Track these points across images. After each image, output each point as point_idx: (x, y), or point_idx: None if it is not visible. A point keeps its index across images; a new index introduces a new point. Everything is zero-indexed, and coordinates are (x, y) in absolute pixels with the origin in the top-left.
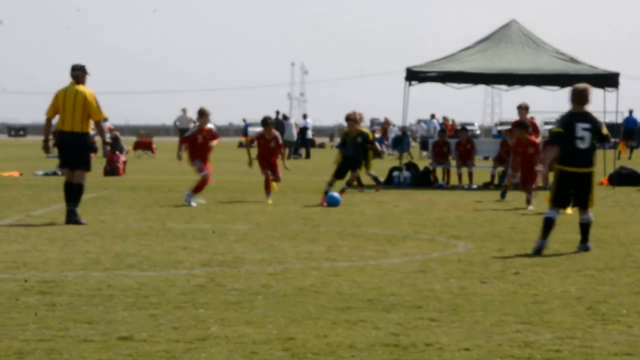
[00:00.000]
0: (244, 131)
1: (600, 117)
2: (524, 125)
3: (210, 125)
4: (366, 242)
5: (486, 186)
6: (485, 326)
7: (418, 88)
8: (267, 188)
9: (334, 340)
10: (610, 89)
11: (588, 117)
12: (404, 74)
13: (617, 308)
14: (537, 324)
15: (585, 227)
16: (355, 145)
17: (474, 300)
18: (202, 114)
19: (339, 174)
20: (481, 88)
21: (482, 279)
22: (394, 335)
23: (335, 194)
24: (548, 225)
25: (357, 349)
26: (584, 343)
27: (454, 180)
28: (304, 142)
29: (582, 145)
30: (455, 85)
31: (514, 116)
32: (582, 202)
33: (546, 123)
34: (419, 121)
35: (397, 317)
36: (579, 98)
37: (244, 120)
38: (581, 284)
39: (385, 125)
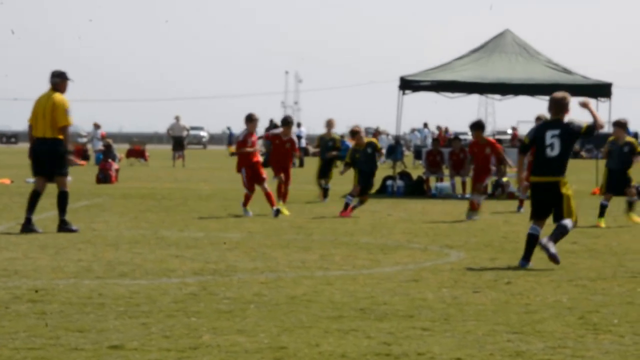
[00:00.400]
0: (229, 140)
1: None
2: (480, 125)
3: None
4: (359, 251)
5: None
6: (477, 336)
7: (412, 97)
8: (279, 193)
9: (325, 350)
10: (602, 99)
11: (558, 124)
12: (397, 83)
13: (608, 318)
14: (529, 334)
15: (558, 228)
16: (367, 157)
17: (466, 309)
18: (251, 119)
19: (363, 190)
20: (475, 97)
21: (475, 288)
22: (386, 344)
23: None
24: (529, 242)
25: (349, 358)
26: (575, 353)
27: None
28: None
29: (551, 153)
30: (449, 94)
31: (507, 125)
32: (557, 213)
33: None
34: (413, 130)
35: (389, 326)
36: (555, 107)
37: (228, 129)
38: (573, 294)
39: (376, 135)
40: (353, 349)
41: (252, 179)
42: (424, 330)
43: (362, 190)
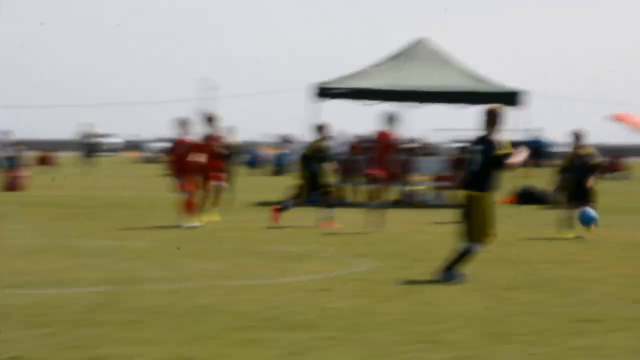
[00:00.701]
0: (137, 147)
1: (507, 137)
2: (394, 118)
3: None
4: (269, 260)
5: (395, 204)
6: (385, 345)
7: (328, 104)
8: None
9: None
10: (517, 107)
11: (482, 139)
12: (314, 90)
13: (518, 327)
14: (438, 343)
15: (462, 254)
16: (326, 158)
17: (375, 319)
18: (182, 124)
19: (324, 189)
20: (390, 105)
21: (385, 297)
22: (293, 354)
23: (590, 212)
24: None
25: None
26: None
27: (362, 197)
28: None
29: (473, 167)
30: (365, 102)
31: (423, 134)
32: (466, 229)
33: (454, 141)
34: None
35: (297, 336)
36: (485, 119)
37: (137, 136)
38: (483, 303)
39: (288, 142)
40: (260, 359)
41: (189, 183)
42: (332, 340)
43: (324, 191)
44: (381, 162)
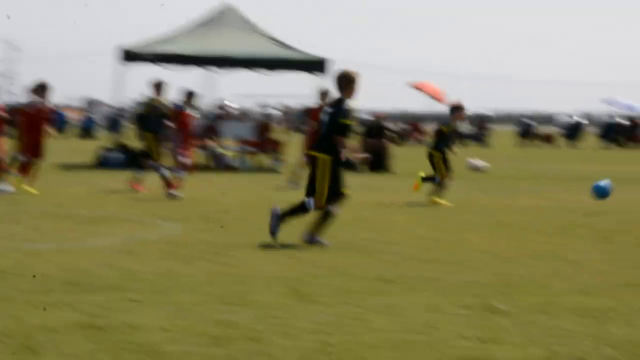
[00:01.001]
0: None
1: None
2: (191, 94)
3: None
4: (70, 223)
5: (202, 168)
6: (186, 306)
7: (135, 68)
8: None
9: (30, 323)
10: (318, 74)
11: (332, 103)
12: (121, 54)
13: (320, 288)
14: (239, 304)
15: (299, 207)
16: (160, 117)
17: (179, 280)
18: (41, 89)
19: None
20: (197, 70)
21: (189, 259)
22: (93, 316)
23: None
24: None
25: (55, 331)
26: (285, 322)
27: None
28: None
29: (321, 130)
30: (172, 66)
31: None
32: (311, 189)
33: (261, 106)
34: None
35: (98, 298)
36: (336, 84)
37: None
38: (286, 265)
39: (94, 105)
40: (59, 321)
41: None
42: (133, 302)
43: (142, 153)
44: (182, 128)
